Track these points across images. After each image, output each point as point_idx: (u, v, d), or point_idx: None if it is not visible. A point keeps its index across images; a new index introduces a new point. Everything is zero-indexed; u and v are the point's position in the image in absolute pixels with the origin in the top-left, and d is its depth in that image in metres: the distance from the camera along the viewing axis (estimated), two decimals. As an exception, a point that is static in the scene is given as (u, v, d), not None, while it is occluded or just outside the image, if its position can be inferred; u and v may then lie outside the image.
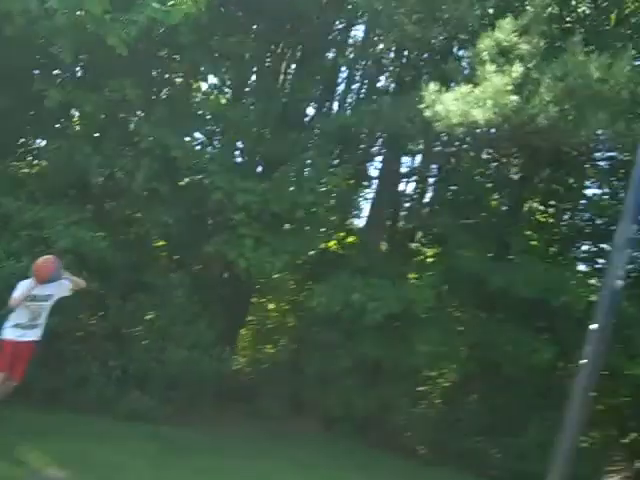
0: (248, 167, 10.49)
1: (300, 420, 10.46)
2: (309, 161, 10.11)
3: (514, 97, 7.96)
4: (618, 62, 8.07)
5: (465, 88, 8.03)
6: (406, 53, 11.32)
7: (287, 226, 9.97)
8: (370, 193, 12.53)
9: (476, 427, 10.68)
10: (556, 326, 10.61)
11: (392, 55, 11.51)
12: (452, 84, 8.48)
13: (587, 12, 9.97)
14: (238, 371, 11.82)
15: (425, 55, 10.85)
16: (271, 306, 12.95)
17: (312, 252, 10.54)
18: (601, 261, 11.60)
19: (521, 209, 12.12)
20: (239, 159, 10.83)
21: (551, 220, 12.56)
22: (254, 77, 11.33)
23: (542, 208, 12.50)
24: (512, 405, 10.59)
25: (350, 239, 12.19)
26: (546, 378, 10.63)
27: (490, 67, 7.98)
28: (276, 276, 10.67)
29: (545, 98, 8.15)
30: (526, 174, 11.94)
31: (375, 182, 12.44)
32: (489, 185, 12.23)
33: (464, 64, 9.20)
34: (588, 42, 8.60)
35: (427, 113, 8.41)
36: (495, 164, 12.36)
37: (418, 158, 12.68)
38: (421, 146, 11.55)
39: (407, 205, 12.95)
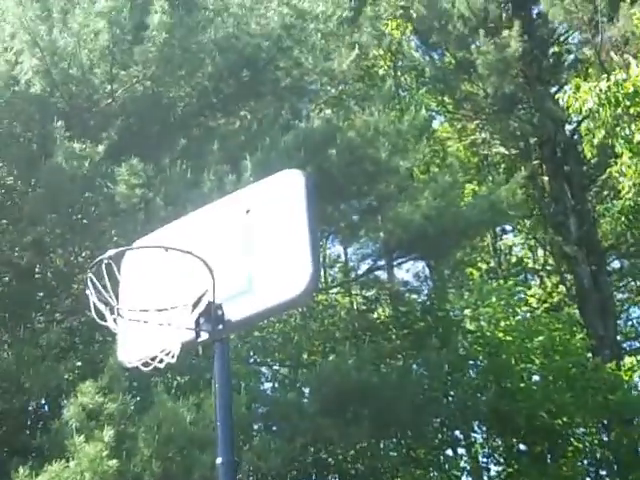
0: None
1: None
2: None
3: (113, 462, 7.94)
4: (206, 400, 8.64)
5: (59, 465, 7.84)
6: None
7: None
8: None
9: None
10: None
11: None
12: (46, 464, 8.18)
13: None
14: None
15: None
16: None
17: None
18: None
19: None
20: None
21: None
22: None
23: None
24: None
25: None
26: None
27: (79, 437, 7.96)
28: None
29: (146, 454, 8.28)
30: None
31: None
32: None
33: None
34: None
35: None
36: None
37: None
38: None
39: None
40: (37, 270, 10.38)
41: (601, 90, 11.26)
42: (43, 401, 9.80)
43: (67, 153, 9.55)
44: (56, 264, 10.53)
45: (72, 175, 9.51)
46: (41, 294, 10.35)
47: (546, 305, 17.63)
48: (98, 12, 10.06)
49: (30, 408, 9.80)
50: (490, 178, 17.68)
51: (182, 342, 4.35)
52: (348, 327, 13.92)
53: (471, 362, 13.24)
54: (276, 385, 12.56)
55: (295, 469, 10.92)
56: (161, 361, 4.39)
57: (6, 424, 9.20)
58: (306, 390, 11.03)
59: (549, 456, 13.53)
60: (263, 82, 11.85)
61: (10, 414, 9.09)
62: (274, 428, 10.03)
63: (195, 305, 4.40)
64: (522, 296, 16.28)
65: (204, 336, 4.40)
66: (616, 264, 19.81)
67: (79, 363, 9.47)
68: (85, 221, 10.09)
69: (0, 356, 9.06)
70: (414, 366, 11.93)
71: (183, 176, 9.96)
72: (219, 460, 4.20)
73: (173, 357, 4.36)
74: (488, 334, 13.38)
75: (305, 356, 13.24)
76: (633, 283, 20.17)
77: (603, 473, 14.10)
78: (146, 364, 4.48)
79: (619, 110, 11.55)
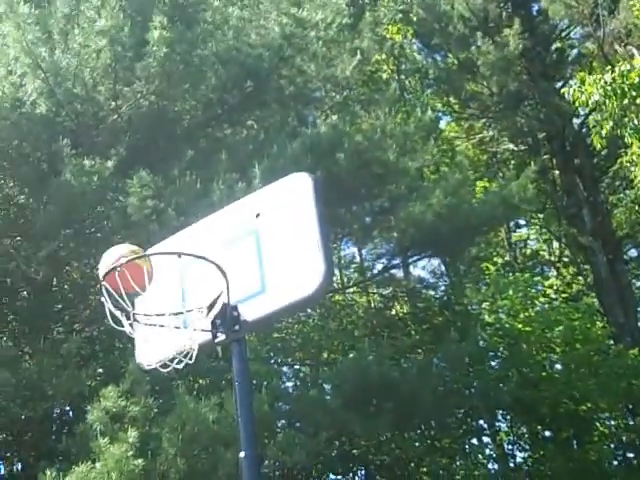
0: None
1: None
2: None
3: (138, 461, 8.09)
4: (228, 400, 8.75)
5: (85, 466, 8.00)
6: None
7: None
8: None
9: None
10: None
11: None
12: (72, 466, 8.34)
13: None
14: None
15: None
16: None
17: None
18: None
19: None
20: None
21: None
22: None
23: None
24: None
25: None
26: None
27: (104, 439, 8.13)
28: None
29: (171, 453, 8.42)
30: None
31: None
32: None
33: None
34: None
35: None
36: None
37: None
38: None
39: None
40: (54, 283, 10.58)
41: (606, 82, 11.34)
42: (67, 407, 9.97)
43: (76, 170, 9.75)
44: (72, 277, 10.73)
45: (82, 191, 9.70)
46: (59, 306, 10.55)
47: (565, 295, 17.65)
48: (98, 31, 10.26)
49: (54, 414, 9.98)
50: (500, 174, 17.74)
51: (199, 343, 4.50)
52: (367, 325, 14.02)
53: (491, 353, 13.29)
54: (298, 383, 12.69)
55: (320, 462, 11.02)
56: (179, 362, 4.53)
57: (31, 430, 9.39)
58: (327, 387, 11.16)
59: (575, 441, 13.53)
60: (267, 91, 11.99)
61: (35, 420, 9.28)
62: (297, 424, 10.12)
63: (210, 307, 4.56)
64: (540, 288, 16.33)
65: (221, 337, 4.55)
66: (632, 253, 19.79)
67: (100, 370, 9.64)
68: (99, 234, 10.27)
69: (22, 366, 9.25)
70: (434, 359, 12.01)
71: (193, 186, 10.11)
72: (242, 454, 4.32)
73: (191, 358, 4.50)
74: (507, 326, 13.43)
75: (325, 355, 13.35)
76: (650, 271, 20.10)
77: (630, 456, 14.04)
78: (165, 366, 4.62)
79: (625, 101, 11.63)
